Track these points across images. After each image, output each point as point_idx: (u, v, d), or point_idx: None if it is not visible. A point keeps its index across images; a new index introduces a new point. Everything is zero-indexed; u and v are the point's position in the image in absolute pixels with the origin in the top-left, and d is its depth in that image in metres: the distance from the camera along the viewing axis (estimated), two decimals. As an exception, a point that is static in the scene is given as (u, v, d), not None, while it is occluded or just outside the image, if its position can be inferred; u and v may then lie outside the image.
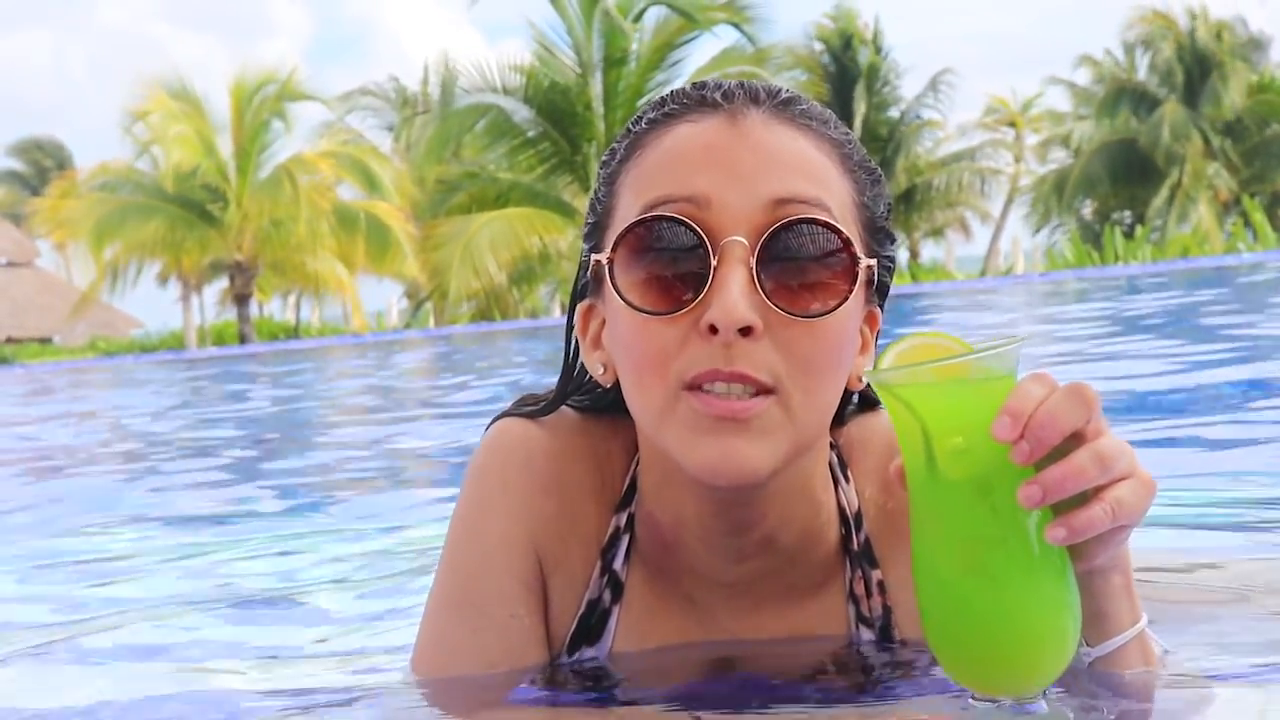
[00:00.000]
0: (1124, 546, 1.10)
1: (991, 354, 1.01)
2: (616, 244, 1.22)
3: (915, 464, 1.03)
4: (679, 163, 1.22)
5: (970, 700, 1.07)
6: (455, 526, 1.40)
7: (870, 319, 1.32)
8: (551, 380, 1.42)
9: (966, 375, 1.01)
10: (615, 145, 1.33)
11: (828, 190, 1.23)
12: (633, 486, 1.38)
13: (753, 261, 1.17)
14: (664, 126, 1.27)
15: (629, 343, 1.23)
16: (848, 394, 1.33)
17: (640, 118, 1.31)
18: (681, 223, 1.19)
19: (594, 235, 1.32)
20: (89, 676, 2.17)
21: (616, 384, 1.30)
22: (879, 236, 1.30)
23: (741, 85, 1.27)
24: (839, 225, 1.21)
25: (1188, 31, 32.92)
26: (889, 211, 1.32)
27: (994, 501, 1.00)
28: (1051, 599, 1.02)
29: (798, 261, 1.19)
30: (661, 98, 1.31)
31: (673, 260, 1.19)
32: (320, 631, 2.34)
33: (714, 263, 1.17)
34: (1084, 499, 1.02)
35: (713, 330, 1.16)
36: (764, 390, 1.18)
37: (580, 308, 1.35)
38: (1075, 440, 1.01)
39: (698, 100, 1.27)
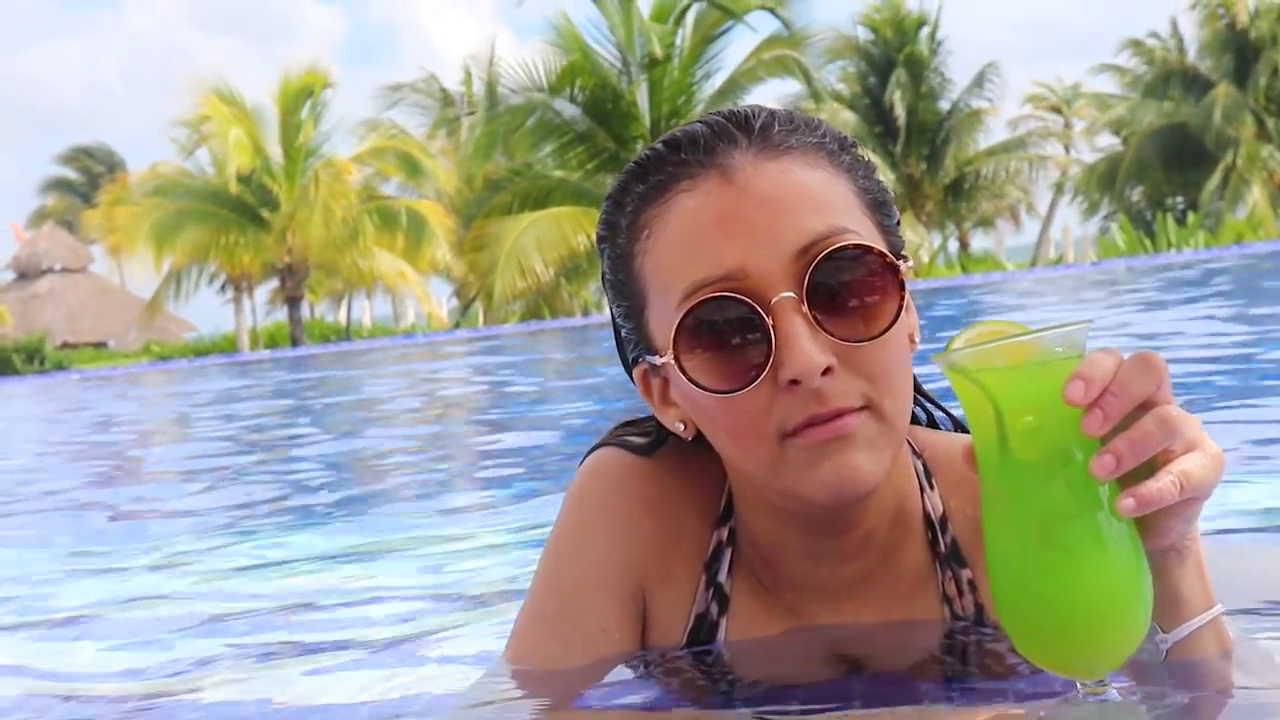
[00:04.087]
0: (1195, 527, 1.10)
1: (1060, 334, 1.02)
2: (675, 343, 1.24)
3: (987, 445, 1.04)
4: (699, 245, 1.24)
5: (1078, 688, 1.09)
6: (552, 547, 1.44)
7: None
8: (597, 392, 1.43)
9: (1036, 355, 1.02)
10: (611, 219, 1.33)
11: (834, 206, 1.25)
12: (731, 501, 1.41)
13: (806, 309, 1.20)
14: (660, 202, 1.27)
15: (715, 416, 1.26)
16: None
17: (626, 188, 1.31)
18: (729, 299, 1.21)
19: (632, 317, 1.33)
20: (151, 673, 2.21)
21: None
22: (886, 210, 1.32)
23: (711, 129, 1.27)
24: (866, 241, 1.23)
25: (1233, 16, 32.37)
26: (877, 176, 1.33)
27: (1067, 477, 1.01)
28: (1125, 574, 1.02)
29: (845, 290, 1.22)
30: (640, 163, 1.31)
31: (734, 336, 1.22)
32: (383, 633, 2.37)
33: (771, 324, 1.20)
34: (1152, 473, 1.02)
35: (794, 383, 1.19)
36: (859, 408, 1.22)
37: (638, 373, 1.37)
38: (1144, 411, 1.02)
39: (679, 163, 1.27)
